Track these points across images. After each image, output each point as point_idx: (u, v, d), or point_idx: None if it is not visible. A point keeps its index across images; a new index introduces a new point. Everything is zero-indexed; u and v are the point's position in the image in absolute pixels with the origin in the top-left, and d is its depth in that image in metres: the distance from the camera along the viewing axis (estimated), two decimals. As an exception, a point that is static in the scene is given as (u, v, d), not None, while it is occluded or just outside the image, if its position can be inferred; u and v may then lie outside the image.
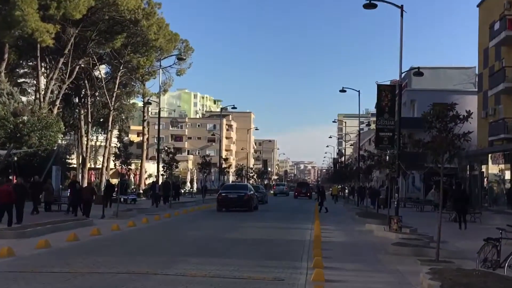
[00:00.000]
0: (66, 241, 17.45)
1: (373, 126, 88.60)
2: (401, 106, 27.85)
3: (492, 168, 42.42)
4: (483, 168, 44.41)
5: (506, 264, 11.67)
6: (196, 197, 56.84)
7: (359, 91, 50.86)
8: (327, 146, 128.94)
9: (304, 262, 14.00)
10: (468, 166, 47.50)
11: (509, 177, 39.15)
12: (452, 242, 18.81)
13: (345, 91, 49.41)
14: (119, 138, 31.55)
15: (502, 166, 40.63)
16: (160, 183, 44.37)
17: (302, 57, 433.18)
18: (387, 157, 30.02)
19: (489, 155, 42.49)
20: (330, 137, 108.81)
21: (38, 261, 13.33)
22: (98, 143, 76.74)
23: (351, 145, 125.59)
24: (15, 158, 39.61)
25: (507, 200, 39.10)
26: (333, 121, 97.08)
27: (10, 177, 35.51)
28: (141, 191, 56.81)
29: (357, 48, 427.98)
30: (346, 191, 75.18)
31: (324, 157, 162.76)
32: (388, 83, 30.92)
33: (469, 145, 18.17)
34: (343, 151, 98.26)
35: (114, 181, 49.54)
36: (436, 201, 31.45)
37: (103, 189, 44.92)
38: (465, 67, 62.08)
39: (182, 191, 61.50)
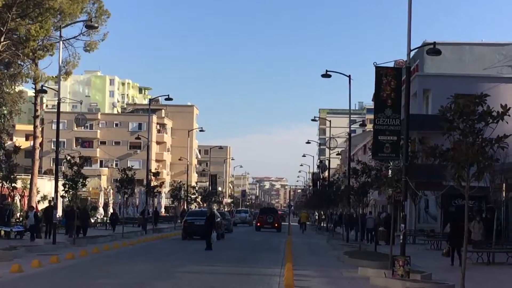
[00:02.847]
0: None
1: (369, 127, 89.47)
2: (410, 98, 28.06)
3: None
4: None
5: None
6: (111, 229, 56.57)
7: (349, 76, 50.61)
8: (304, 156, 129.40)
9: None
10: (504, 184, 48.20)
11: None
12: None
13: (329, 76, 49.31)
14: (-1, 142, 31.22)
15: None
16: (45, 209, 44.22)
17: (268, 34, 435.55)
18: (390, 172, 30.27)
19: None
20: (308, 142, 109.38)
21: None
22: (-33, 150, 75.69)
23: (337, 154, 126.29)
24: None
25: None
26: (313, 119, 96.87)
27: None
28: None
29: (346, 20, 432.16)
30: (329, 219, 75.61)
31: (300, 172, 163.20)
32: (392, 65, 30.85)
33: (506, 154, 18.46)
34: (327, 162, 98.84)
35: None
36: (477, 238, 32.02)
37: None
38: (500, 43, 63.00)
39: (93, 220, 61.07)
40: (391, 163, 30.14)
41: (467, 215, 15.24)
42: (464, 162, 14.10)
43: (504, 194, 48.23)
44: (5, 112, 66.65)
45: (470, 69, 58.23)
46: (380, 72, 26.83)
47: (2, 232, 35.68)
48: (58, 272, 24.35)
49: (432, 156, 15.14)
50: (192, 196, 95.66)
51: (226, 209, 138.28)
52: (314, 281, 22.75)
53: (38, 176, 69.75)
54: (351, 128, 61.93)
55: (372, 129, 29.99)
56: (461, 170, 14.26)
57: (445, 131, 14.53)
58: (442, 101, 15.30)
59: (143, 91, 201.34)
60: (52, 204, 43.07)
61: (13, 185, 30.33)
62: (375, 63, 27.09)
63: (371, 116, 36.82)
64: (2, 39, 56.40)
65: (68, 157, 40.78)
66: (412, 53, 27.94)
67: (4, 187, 29.96)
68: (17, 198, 65.26)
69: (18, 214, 57.38)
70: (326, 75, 49.29)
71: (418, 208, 53.19)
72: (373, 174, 31.87)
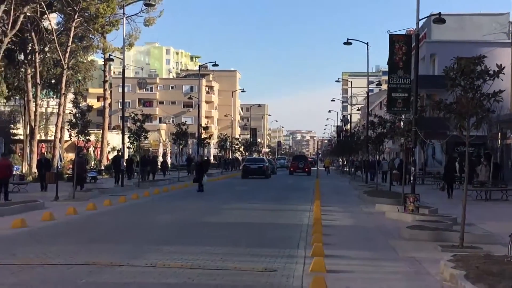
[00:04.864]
0: (11, 228, 17.43)
1: (384, 86, 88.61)
2: (419, 61, 27.73)
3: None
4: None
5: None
6: (171, 174, 56.96)
7: (367, 44, 50.74)
8: (329, 112, 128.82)
9: (301, 250, 14.10)
10: (499, 133, 47.72)
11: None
12: (479, 225, 19.00)
13: (350, 43, 49.36)
14: (75, 103, 31.23)
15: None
16: (125, 158, 44.47)
17: (298, 5, 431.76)
18: (402, 124, 30.07)
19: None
20: (332, 100, 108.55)
21: (-22, 252, 13.34)
22: (49, 110, 76.31)
23: (358, 110, 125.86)
24: None
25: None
26: (337, 81, 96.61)
27: None
28: (103, 168, 56.76)
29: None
30: (351, 165, 75.41)
31: (326, 125, 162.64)
32: (403, 33, 30.72)
33: (501, 107, 18.26)
34: (349, 117, 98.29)
35: (71, 156, 49.56)
36: (483, 179, 32.36)
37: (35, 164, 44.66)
38: (496, 13, 61.94)
39: (161, 167, 61.19)
40: (403, 116, 30.03)
41: (468, 160, 15.09)
42: (465, 113, 13.96)
43: (499, 141, 47.89)
44: (80, 78, 67.12)
45: (470, 36, 57.46)
46: (393, 39, 26.83)
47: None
48: (125, 209, 24.70)
49: (437, 109, 14.98)
50: (236, 147, 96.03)
51: (266, 157, 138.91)
52: (338, 215, 22.80)
53: (108, 131, 70.33)
54: (369, 88, 61.76)
55: (386, 88, 29.76)
56: (463, 120, 14.14)
57: (448, 87, 14.37)
58: (447, 63, 15.11)
59: (193, 59, 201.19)
60: (119, 154, 43.47)
61: (87, 138, 30.48)
62: (389, 31, 27.17)
63: (386, 77, 36.52)
64: (76, 17, 56.51)
65: (132, 115, 40.98)
66: (420, 23, 27.69)
67: (80, 140, 30.16)
68: (91, 150, 66.08)
69: (92, 163, 58.11)
70: (347, 43, 49.34)
71: (426, 154, 52.96)
72: (387, 126, 31.61)
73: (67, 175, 41.79)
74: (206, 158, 54.54)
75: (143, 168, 43.97)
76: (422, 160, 50.59)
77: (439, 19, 30.60)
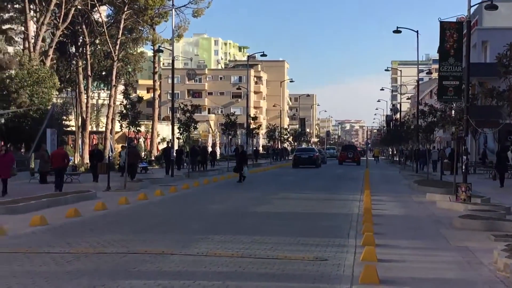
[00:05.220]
0: (65, 217, 17.78)
1: (434, 75, 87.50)
2: (470, 48, 27.29)
3: None
4: None
5: None
6: (220, 164, 57.24)
7: (417, 32, 50.36)
8: (379, 101, 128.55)
9: (352, 239, 14.07)
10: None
11: None
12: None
13: (400, 31, 49.00)
14: (125, 94, 31.55)
15: None
16: (176, 148, 44.85)
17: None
18: (453, 112, 29.68)
19: None
20: (382, 89, 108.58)
21: (33, 241, 13.64)
22: (100, 101, 77.36)
23: (407, 99, 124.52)
24: (3, 120, 40.23)
25: None
26: (386, 70, 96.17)
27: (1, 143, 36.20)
28: (153, 158, 57.32)
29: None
30: (401, 154, 74.74)
31: (375, 115, 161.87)
32: (454, 20, 30.33)
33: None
34: (398, 106, 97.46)
35: (118, 147, 50.12)
36: None
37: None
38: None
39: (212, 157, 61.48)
40: (454, 104, 29.63)
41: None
42: (519, 101, 13.73)
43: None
44: (130, 69, 67.84)
45: (524, 22, 56.39)
46: (444, 26, 26.50)
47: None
48: (176, 199, 24.92)
49: (490, 96, 14.83)
50: (285, 137, 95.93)
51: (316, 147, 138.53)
52: (388, 205, 22.65)
53: (158, 121, 71.04)
54: (419, 76, 61.07)
55: (437, 77, 29.42)
56: (516, 108, 13.92)
57: (501, 74, 14.15)
58: (499, 50, 14.91)
59: (242, 49, 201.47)
60: (169, 145, 43.82)
61: (137, 129, 30.81)
62: (439, 19, 26.84)
63: (436, 66, 36.01)
64: (125, 9, 57.07)
65: (182, 106, 41.26)
66: (472, 9, 27.24)
67: (130, 131, 30.49)
68: (141, 140, 66.84)
69: (142, 153, 58.72)
70: (397, 31, 49.02)
71: (478, 143, 52.20)
72: (438, 115, 31.26)
73: (118, 166, 42.31)
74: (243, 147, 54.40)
75: (193, 159, 44.40)
76: (474, 149, 49.92)
77: (491, 5, 30.16)
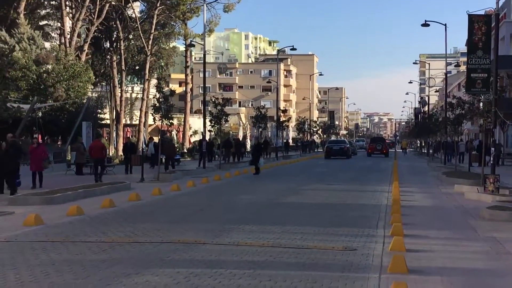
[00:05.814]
0: (100, 207, 17.96)
1: (462, 67, 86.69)
2: (499, 41, 27.01)
3: None
4: None
5: None
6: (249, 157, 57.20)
7: (445, 25, 49.79)
8: (407, 94, 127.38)
9: (381, 230, 14.02)
10: None
11: None
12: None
13: (428, 25, 48.59)
14: (158, 88, 31.68)
15: None
16: (208, 140, 44.99)
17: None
18: (481, 104, 29.39)
19: None
20: (410, 82, 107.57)
21: (70, 230, 13.82)
22: (134, 95, 77.86)
23: (436, 92, 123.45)
24: (40, 114, 40.63)
25: None
26: (414, 63, 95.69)
27: (35, 136, 36.55)
28: (186, 150, 57.57)
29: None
30: (429, 146, 74.18)
31: (403, 107, 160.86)
32: (482, 13, 29.98)
33: None
34: (426, 99, 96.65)
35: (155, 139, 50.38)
36: None
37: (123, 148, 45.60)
38: None
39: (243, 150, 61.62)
40: (482, 97, 29.32)
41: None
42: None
43: None
44: (162, 64, 68.23)
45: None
46: (473, 19, 26.14)
47: (163, 160, 36.59)
48: (208, 190, 25.02)
49: (518, 88, 14.60)
50: (314, 129, 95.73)
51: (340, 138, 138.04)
52: (417, 196, 22.52)
53: (190, 115, 71.30)
54: (447, 69, 60.57)
55: (465, 70, 29.15)
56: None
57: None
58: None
59: (272, 43, 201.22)
60: (202, 137, 43.96)
61: (170, 122, 30.94)
62: (468, 12, 26.49)
63: (464, 59, 35.79)
64: (158, 5, 57.33)
65: (213, 99, 41.35)
66: (500, 2, 26.92)
67: (163, 124, 30.64)
68: (173, 133, 67.14)
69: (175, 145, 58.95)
70: (425, 24, 48.64)
71: (506, 135, 51.66)
72: (466, 107, 30.98)
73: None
74: (264, 139, 54.49)
75: (227, 151, 44.72)
76: (503, 140, 49.40)
77: (520, -2, 29.71)
